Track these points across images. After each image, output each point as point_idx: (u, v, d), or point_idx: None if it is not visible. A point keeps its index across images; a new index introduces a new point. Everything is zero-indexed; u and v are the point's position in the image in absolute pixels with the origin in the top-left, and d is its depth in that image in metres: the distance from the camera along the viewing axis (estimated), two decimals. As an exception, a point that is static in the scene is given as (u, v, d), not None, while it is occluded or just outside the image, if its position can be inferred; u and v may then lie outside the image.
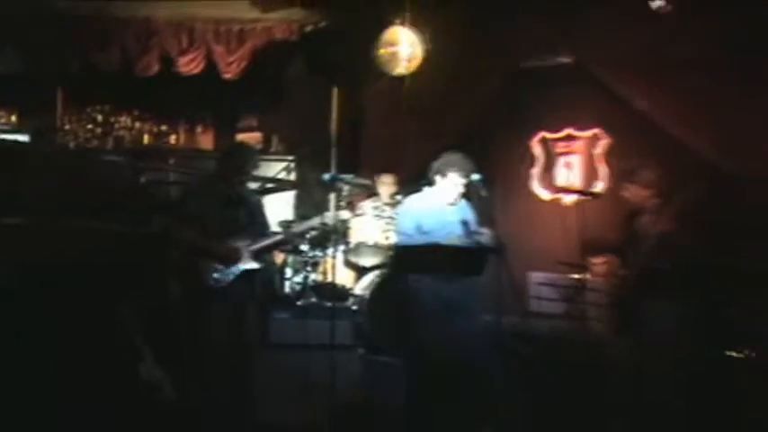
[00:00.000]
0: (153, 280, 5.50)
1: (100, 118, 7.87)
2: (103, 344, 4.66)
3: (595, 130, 6.73)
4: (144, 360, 4.43)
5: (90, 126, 7.85)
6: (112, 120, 7.91)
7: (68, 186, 6.34)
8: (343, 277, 6.25)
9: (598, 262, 5.56)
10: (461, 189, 4.95)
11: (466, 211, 5.05)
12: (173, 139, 8.03)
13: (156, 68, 6.81)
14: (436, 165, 5.00)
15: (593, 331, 5.01)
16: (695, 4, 5.53)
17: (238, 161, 4.86)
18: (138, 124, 7.97)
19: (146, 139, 7.95)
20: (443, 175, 4.95)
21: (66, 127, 7.68)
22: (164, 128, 8.02)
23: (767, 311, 5.04)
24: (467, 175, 4.88)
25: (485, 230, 4.88)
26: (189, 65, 6.82)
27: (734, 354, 4.88)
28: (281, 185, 6.87)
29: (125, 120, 7.94)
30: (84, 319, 4.69)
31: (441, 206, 5.02)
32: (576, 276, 5.21)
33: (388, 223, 6.26)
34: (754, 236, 5.46)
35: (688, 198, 4.61)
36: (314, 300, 5.97)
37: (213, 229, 4.70)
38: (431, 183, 5.06)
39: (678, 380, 4.64)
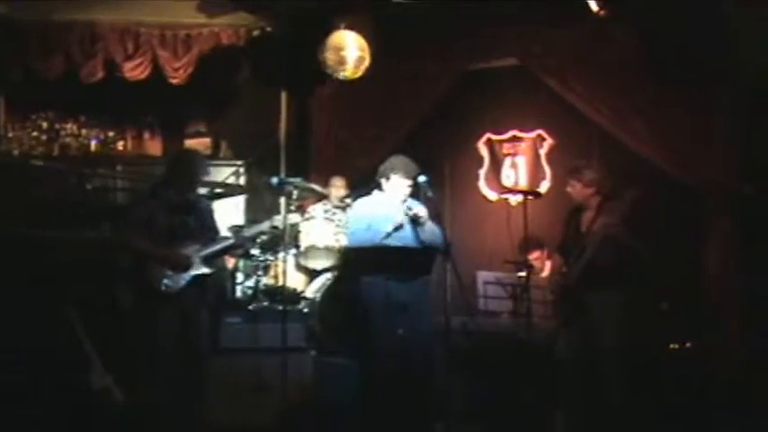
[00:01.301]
0: (102, 286, 5.47)
1: (45, 125, 7.71)
2: (51, 350, 4.63)
3: (540, 131, 6.89)
4: (93, 366, 4.41)
5: (35, 133, 7.68)
6: (58, 127, 7.75)
7: (16, 194, 6.27)
8: (295, 280, 6.26)
9: (533, 257, 5.70)
10: (407, 191, 5.01)
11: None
12: (120, 145, 7.92)
13: (101, 74, 6.72)
14: (380, 168, 5.07)
15: (540, 327, 5.13)
16: (631, 9, 5.72)
17: (187, 168, 4.86)
18: (84, 131, 7.83)
19: (92, 145, 7.83)
20: (387, 177, 5.01)
21: (10, 135, 7.53)
22: (111, 134, 7.90)
23: (701, 305, 5.26)
24: (410, 177, 4.95)
25: (429, 225, 4.94)
26: (135, 70, 6.76)
27: (672, 345, 5.07)
28: (230, 190, 6.85)
29: (71, 126, 7.78)
30: (33, 326, 4.66)
31: (389, 208, 5.07)
32: (522, 274, 5.32)
33: (338, 226, 6.30)
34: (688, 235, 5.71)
35: (630, 198, 4.74)
36: (265, 303, 5.99)
37: (162, 235, 4.68)
38: (379, 186, 5.12)
39: (621, 369, 4.78)
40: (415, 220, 4.93)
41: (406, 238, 4.97)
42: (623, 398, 4.77)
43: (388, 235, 4.88)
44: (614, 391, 4.76)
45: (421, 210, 4.93)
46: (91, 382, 4.64)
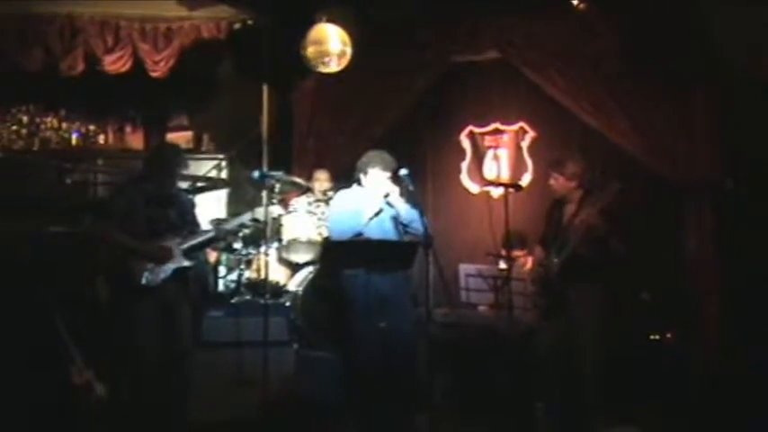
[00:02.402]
0: (82, 280, 5.44)
1: (25, 119, 7.65)
2: (31, 345, 4.59)
3: (521, 124, 6.91)
4: (74, 361, 4.38)
5: (15, 127, 7.63)
6: (38, 120, 7.70)
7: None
8: (277, 274, 6.26)
9: (519, 254, 5.71)
10: (386, 184, 4.99)
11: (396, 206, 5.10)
12: (101, 139, 7.87)
13: (81, 67, 6.66)
14: (358, 163, 5.07)
15: (521, 319, 5.15)
16: (613, 5, 5.75)
17: (165, 161, 4.85)
18: (65, 125, 7.77)
19: (73, 139, 7.77)
20: (365, 172, 5.02)
21: (-11, 129, 7.49)
22: (92, 128, 7.85)
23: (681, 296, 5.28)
24: (389, 170, 4.95)
25: (402, 205, 4.93)
26: (115, 63, 6.70)
27: (653, 335, 5.10)
28: (212, 184, 6.83)
29: (51, 120, 7.73)
30: (11, 321, 4.63)
31: (369, 202, 5.06)
32: (504, 267, 5.33)
33: (320, 219, 6.29)
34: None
35: (613, 191, 4.75)
36: (248, 297, 5.99)
37: (142, 228, 4.67)
38: (358, 181, 5.12)
39: (600, 364, 4.81)
40: (390, 204, 4.93)
41: (387, 231, 4.98)
42: (602, 392, 4.78)
43: (370, 220, 4.89)
44: (593, 385, 4.77)
45: (390, 186, 4.92)
46: (71, 377, 4.61)
